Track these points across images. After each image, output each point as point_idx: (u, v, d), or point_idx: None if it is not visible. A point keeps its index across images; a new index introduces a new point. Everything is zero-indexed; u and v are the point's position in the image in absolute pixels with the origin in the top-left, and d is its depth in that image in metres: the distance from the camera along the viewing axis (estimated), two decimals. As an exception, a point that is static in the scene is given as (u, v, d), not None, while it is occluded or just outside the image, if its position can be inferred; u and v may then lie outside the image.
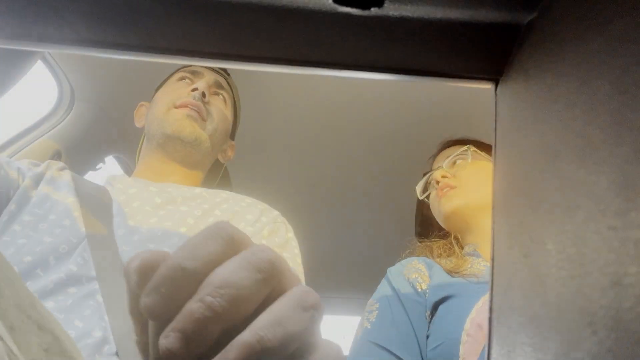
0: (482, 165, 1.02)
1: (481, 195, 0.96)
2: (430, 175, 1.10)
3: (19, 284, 0.35)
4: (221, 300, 0.22)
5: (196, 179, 0.93)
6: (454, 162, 1.05)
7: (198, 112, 0.87)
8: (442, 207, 1.00)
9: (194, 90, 0.88)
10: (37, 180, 0.76)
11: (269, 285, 0.24)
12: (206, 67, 0.97)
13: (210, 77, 0.95)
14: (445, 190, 0.99)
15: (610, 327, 0.16)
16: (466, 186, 0.98)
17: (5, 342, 0.28)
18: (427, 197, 1.10)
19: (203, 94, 0.88)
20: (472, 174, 1.00)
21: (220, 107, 0.93)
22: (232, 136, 1.03)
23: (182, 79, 0.94)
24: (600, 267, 0.17)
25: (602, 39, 0.19)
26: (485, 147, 1.07)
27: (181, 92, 0.89)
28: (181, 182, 0.89)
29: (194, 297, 0.22)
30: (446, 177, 1.01)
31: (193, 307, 0.22)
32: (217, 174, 1.10)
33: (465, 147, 1.05)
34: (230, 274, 0.23)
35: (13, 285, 0.34)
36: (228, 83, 0.99)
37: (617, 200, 0.16)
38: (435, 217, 1.07)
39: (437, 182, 1.02)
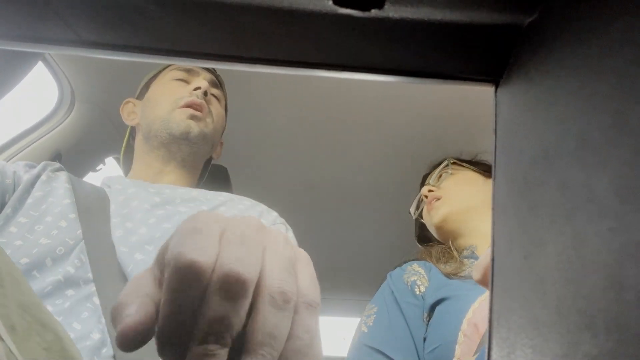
0: (464, 174, 1.11)
1: (465, 198, 1.03)
2: (420, 195, 1.17)
3: (24, 284, 0.35)
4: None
5: (191, 179, 0.94)
6: (440, 177, 1.13)
7: (202, 112, 0.87)
8: (431, 219, 1.07)
9: (196, 89, 0.88)
10: (33, 182, 0.76)
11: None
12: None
13: (207, 75, 0.95)
14: (432, 202, 1.07)
15: (611, 329, 0.16)
16: (450, 194, 1.06)
17: (5, 342, 0.28)
18: (421, 214, 1.17)
19: (205, 93, 0.88)
20: (454, 182, 1.08)
21: (217, 106, 0.94)
22: (222, 134, 1.04)
23: (178, 78, 0.94)
24: (600, 269, 0.17)
25: (602, 41, 0.19)
26: (465, 160, 1.16)
27: (182, 92, 0.89)
28: (177, 182, 0.89)
29: None
30: (432, 191, 1.09)
31: None
32: (205, 171, 1.11)
33: (445, 162, 1.15)
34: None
35: (19, 285, 0.34)
36: (219, 81, 1.00)
37: (616, 202, 0.16)
38: (430, 230, 1.13)
39: (426, 197, 1.10)
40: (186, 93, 0.88)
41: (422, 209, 1.16)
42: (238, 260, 0.26)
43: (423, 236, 1.23)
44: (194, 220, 0.28)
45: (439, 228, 1.05)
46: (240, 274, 0.26)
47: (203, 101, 0.87)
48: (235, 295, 0.25)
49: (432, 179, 1.13)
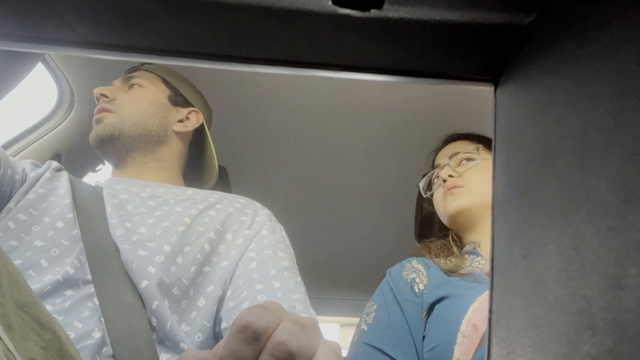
0: (489, 163, 1.00)
1: (488, 194, 0.93)
2: (434, 173, 1.08)
3: (22, 283, 0.35)
4: None
5: (170, 166, 0.93)
6: (461, 161, 1.02)
7: (105, 111, 0.89)
8: (447, 205, 0.98)
9: (97, 100, 0.93)
10: (37, 179, 0.76)
11: None
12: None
13: (119, 80, 0.98)
14: (452, 189, 0.97)
15: (610, 329, 0.16)
16: (472, 186, 0.96)
17: (3, 341, 0.28)
18: (431, 194, 1.08)
19: (103, 95, 0.92)
20: (479, 173, 0.98)
21: (133, 94, 0.94)
22: (186, 104, 1.01)
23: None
24: (600, 269, 0.17)
25: (601, 41, 0.19)
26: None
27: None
28: (159, 178, 0.90)
29: None
30: (453, 177, 0.99)
31: None
32: (204, 150, 1.06)
33: (474, 147, 1.03)
34: None
35: (17, 284, 0.34)
36: (144, 69, 1.00)
37: (616, 201, 0.16)
38: (439, 215, 1.05)
39: (444, 181, 1.00)
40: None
41: (433, 191, 1.06)
42: (292, 334, 0.29)
43: (424, 233, 1.18)
44: (262, 304, 0.32)
45: (452, 217, 0.98)
46: (292, 347, 0.28)
47: (103, 104, 0.91)
48: None
49: (452, 161, 1.02)
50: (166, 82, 0.99)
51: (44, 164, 0.83)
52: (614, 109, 0.18)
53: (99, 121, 0.88)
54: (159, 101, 0.95)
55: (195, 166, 1.05)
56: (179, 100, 0.99)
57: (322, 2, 0.25)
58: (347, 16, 0.25)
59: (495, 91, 0.28)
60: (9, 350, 0.28)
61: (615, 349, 0.15)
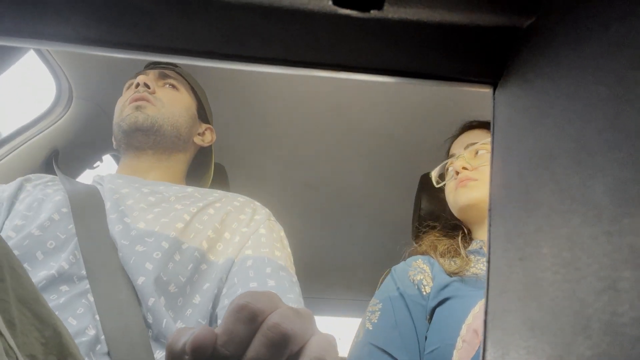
0: None
1: None
2: (447, 163, 1.04)
3: (25, 277, 0.35)
4: None
5: (178, 170, 0.94)
6: (476, 152, 0.98)
7: (146, 101, 0.90)
8: (459, 197, 0.95)
9: (136, 86, 0.92)
10: (15, 194, 0.77)
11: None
12: (151, 67, 1.00)
13: (154, 72, 0.97)
14: (465, 182, 0.94)
15: (605, 331, 0.16)
16: (487, 180, 0.91)
17: (4, 337, 0.28)
18: (443, 184, 1.04)
19: (146, 85, 0.91)
20: None
21: (170, 94, 0.95)
22: (206, 120, 1.04)
23: (130, 85, 0.97)
24: (595, 272, 0.17)
25: (599, 44, 0.19)
26: None
27: (128, 94, 0.93)
28: (164, 178, 0.90)
29: None
30: (467, 169, 0.95)
31: None
32: (206, 162, 1.09)
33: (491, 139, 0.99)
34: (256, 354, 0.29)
35: (19, 278, 0.34)
36: (177, 72, 1.01)
37: (612, 205, 0.17)
38: (450, 206, 1.01)
39: (457, 173, 0.96)
40: (131, 93, 0.92)
41: (446, 181, 1.02)
42: (287, 318, 0.29)
43: (422, 228, 1.12)
44: (261, 291, 0.32)
45: (462, 209, 0.94)
46: (286, 329, 0.29)
47: (145, 93, 0.90)
48: (277, 345, 0.28)
49: (467, 152, 0.98)
50: (195, 93, 1.02)
51: (40, 160, 0.83)
52: (611, 112, 0.18)
53: (139, 108, 0.89)
54: (191, 110, 0.98)
55: (194, 171, 1.06)
56: (202, 113, 1.02)
57: (323, 2, 0.25)
58: (347, 16, 0.25)
59: (493, 93, 0.28)
60: (10, 347, 0.29)
61: (609, 351, 0.15)
